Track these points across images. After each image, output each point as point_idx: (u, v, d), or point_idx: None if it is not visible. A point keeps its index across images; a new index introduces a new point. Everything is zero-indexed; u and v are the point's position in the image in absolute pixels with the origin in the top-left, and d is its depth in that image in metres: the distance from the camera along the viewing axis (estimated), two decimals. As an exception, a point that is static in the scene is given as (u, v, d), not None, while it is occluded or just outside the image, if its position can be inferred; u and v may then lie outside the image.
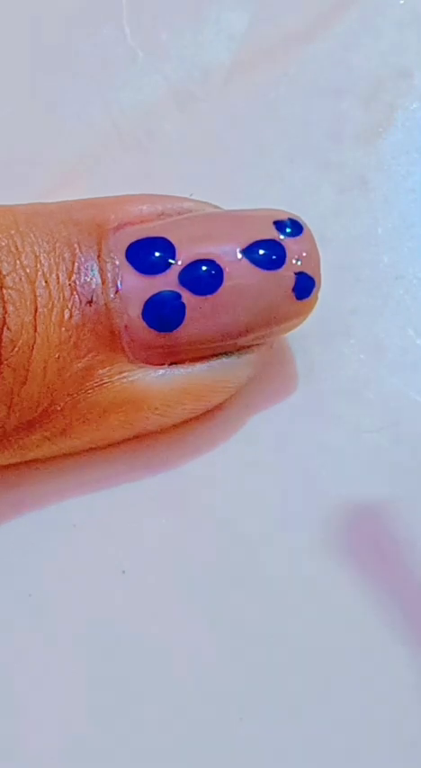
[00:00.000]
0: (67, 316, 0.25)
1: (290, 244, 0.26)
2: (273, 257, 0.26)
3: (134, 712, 0.26)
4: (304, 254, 0.27)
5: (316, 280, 0.27)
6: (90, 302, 0.26)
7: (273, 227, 0.26)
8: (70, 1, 0.33)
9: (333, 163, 0.31)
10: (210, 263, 0.26)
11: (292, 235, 0.27)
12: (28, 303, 0.25)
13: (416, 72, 0.32)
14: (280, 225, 0.27)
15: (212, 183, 0.30)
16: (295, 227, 0.27)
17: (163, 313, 0.26)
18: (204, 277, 0.26)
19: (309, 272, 0.27)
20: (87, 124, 0.32)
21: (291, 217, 0.27)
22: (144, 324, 0.26)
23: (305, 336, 0.28)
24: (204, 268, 0.26)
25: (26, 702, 0.26)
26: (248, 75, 0.32)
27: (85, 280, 0.26)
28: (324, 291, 0.27)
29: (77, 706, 0.26)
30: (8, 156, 0.31)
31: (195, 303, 0.26)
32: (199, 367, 0.27)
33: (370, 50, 0.32)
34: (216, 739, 0.26)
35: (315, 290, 0.27)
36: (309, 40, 0.32)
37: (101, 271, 0.26)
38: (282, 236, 0.26)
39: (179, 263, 0.26)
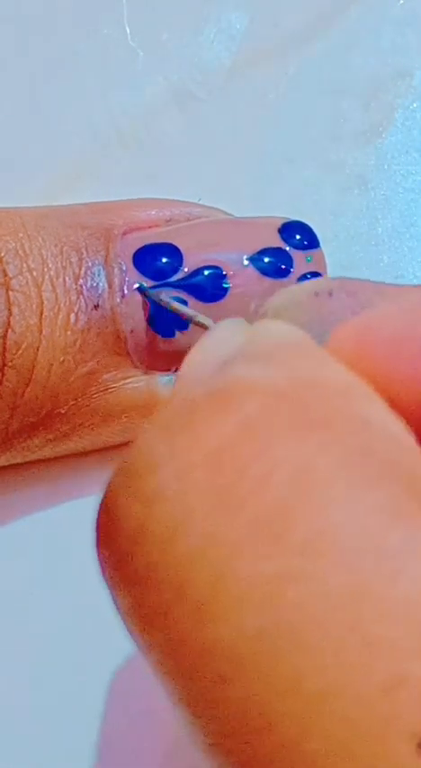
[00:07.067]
0: (72, 319, 0.25)
1: (299, 255, 0.26)
2: (281, 266, 0.26)
3: (134, 711, 0.26)
4: (313, 271, 0.27)
5: None
6: (96, 306, 0.26)
7: (279, 236, 0.26)
8: (70, 1, 0.33)
9: (333, 163, 0.31)
10: (217, 269, 0.26)
11: (304, 246, 0.27)
12: (34, 306, 0.25)
13: (416, 72, 0.32)
14: (288, 233, 0.27)
15: (212, 182, 0.30)
16: (308, 238, 0.27)
17: (168, 319, 0.26)
18: (210, 284, 0.26)
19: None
20: (88, 124, 0.31)
21: (304, 226, 0.27)
22: (149, 329, 0.26)
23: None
24: (211, 275, 0.26)
25: (27, 702, 0.26)
26: (248, 75, 0.32)
27: (91, 284, 0.26)
28: (324, 292, 0.27)
29: (78, 705, 0.26)
30: (9, 156, 0.31)
31: (201, 310, 0.26)
32: None
33: (370, 50, 0.32)
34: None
35: None
36: (309, 40, 0.32)
37: (107, 275, 0.26)
38: (288, 247, 0.26)
39: (186, 269, 0.26)
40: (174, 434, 0.17)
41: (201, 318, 0.25)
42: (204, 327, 0.24)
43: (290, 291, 0.21)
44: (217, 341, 0.19)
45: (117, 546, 0.17)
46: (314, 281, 0.21)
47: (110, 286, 0.26)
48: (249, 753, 0.15)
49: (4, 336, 0.25)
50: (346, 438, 0.16)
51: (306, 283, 0.21)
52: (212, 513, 0.16)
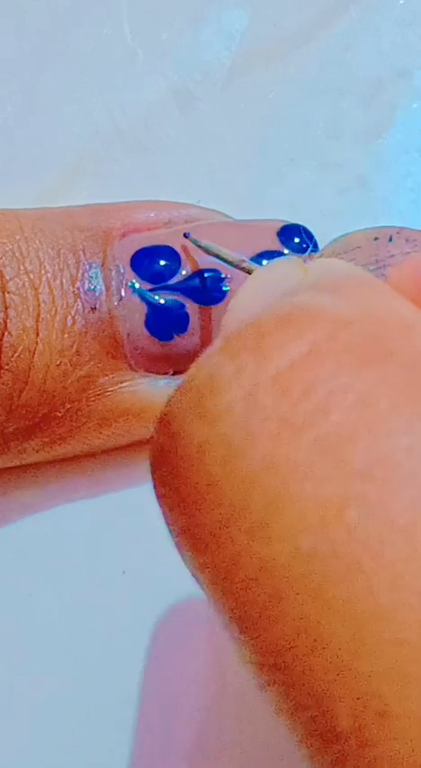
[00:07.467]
0: (70, 322, 0.25)
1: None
2: None
3: (134, 710, 0.26)
4: None
5: None
6: (93, 309, 0.25)
7: (277, 239, 0.26)
8: (70, 1, 0.33)
9: (333, 163, 0.31)
10: (216, 272, 0.26)
11: (303, 249, 0.26)
12: (30, 308, 0.25)
13: (416, 72, 0.32)
14: (287, 236, 0.26)
15: (212, 182, 0.30)
16: (307, 241, 0.27)
17: (166, 322, 0.26)
18: (209, 287, 0.26)
19: None
20: (87, 124, 0.31)
21: (303, 229, 0.27)
22: (147, 332, 0.26)
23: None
24: (210, 277, 0.26)
25: (27, 702, 0.26)
26: (248, 75, 0.32)
27: (89, 287, 0.26)
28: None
29: (77, 705, 0.26)
30: (9, 156, 0.31)
31: (199, 313, 0.26)
32: None
33: (370, 50, 0.32)
34: (213, 737, 0.26)
35: None
36: (309, 40, 0.32)
37: (105, 278, 0.26)
38: (286, 250, 0.26)
39: (184, 272, 0.26)
40: (241, 355, 0.17)
41: (248, 264, 0.25)
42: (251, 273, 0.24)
43: (348, 237, 0.21)
44: (274, 273, 0.20)
45: (175, 463, 0.17)
46: (374, 227, 0.22)
47: (107, 289, 0.26)
48: (300, 670, 0.15)
49: (1, 339, 0.25)
50: (410, 370, 0.16)
51: (366, 230, 0.21)
52: (275, 435, 0.16)
